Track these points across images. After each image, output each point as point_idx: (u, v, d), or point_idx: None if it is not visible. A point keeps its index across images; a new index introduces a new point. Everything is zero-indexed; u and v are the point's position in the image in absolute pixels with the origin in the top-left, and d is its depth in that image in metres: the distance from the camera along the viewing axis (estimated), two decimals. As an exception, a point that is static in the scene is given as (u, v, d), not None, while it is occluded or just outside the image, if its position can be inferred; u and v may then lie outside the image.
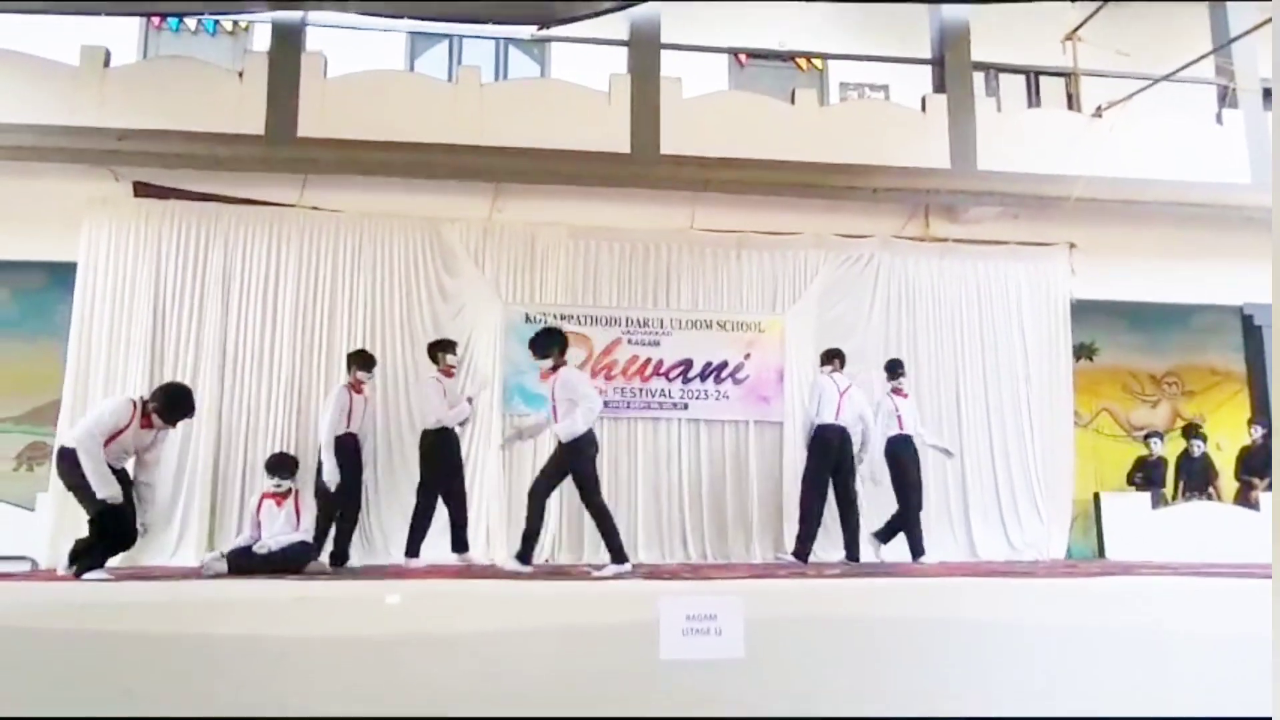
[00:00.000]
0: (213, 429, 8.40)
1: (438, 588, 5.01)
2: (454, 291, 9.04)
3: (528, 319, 8.99)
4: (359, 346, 8.56)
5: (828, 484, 8.00)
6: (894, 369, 8.53)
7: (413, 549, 7.47)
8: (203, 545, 8.09)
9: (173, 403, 6.08)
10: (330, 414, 7.30)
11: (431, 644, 4.17)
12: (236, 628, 4.20)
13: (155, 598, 4.49)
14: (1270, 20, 7.47)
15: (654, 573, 6.14)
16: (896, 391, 8.41)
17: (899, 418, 8.31)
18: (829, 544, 8.83)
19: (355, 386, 7.54)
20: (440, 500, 7.59)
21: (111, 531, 5.76)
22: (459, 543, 7.61)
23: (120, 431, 5.84)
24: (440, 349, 7.91)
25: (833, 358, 8.24)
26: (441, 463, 7.59)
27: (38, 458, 9.11)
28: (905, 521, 8.14)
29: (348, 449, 7.36)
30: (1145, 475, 9.97)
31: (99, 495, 5.63)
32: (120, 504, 5.74)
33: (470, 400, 8.02)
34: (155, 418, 6.00)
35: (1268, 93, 9.98)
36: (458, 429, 7.83)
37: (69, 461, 5.78)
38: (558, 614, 4.37)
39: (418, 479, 7.73)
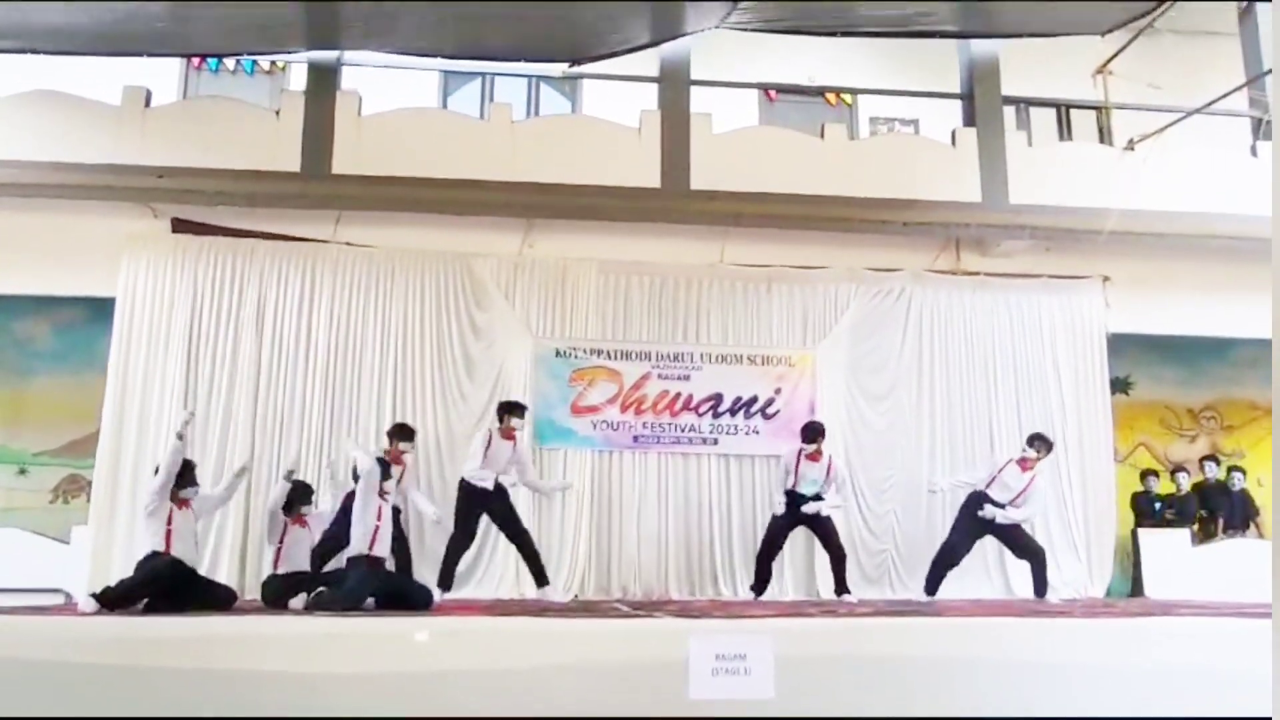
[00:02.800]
0: (244, 460, 8.43)
1: (467, 625, 4.99)
2: (485, 326, 9.08)
3: (558, 353, 9.03)
4: (390, 378, 8.64)
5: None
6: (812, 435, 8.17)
7: (443, 581, 7.45)
8: (235, 577, 8.13)
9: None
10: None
11: (461, 681, 4.15)
12: (266, 664, 4.21)
13: (185, 633, 4.50)
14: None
15: (684, 610, 6.10)
16: (811, 457, 8.05)
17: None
18: (863, 582, 8.79)
19: (395, 457, 7.49)
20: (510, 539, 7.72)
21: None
22: (539, 579, 7.58)
23: None
24: (506, 410, 7.74)
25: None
26: (468, 517, 7.55)
27: (74, 491, 9.25)
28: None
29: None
30: (1177, 510, 9.81)
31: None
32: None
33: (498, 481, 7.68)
34: None
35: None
36: (509, 485, 7.71)
37: None
38: (587, 651, 4.34)
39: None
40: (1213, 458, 10.22)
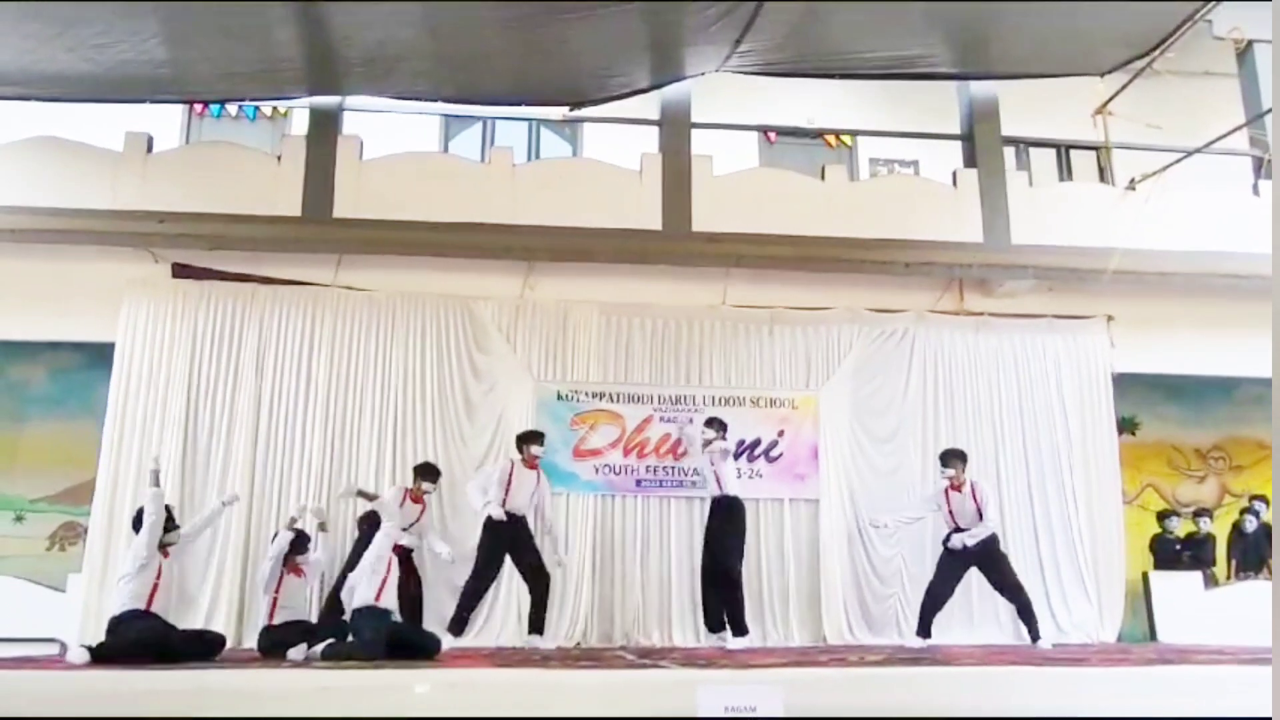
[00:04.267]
0: (244, 507, 8.35)
1: (468, 676, 4.88)
2: (486, 369, 9.02)
3: (559, 396, 8.96)
4: (391, 422, 8.59)
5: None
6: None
7: (454, 626, 7.39)
8: (233, 624, 8.01)
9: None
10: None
11: (461, 736, 4.04)
12: (262, 716, 4.10)
13: (179, 685, 4.40)
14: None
15: (690, 658, 5.97)
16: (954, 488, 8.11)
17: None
18: (870, 627, 8.68)
19: (416, 497, 7.53)
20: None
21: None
22: (536, 625, 7.59)
23: None
24: (526, 440, 7.92)
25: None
26: (491, 556, 7.58)
27: (70, 538, 9.14)
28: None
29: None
30: (1194, 554, 9.68)
31: None
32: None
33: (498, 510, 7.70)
34: None
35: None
36: (530, 516, 7.79)
37: None
38: (592, 704, 4.22)
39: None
40: (1256, 505, 10.01)
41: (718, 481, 7.92)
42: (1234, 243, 9.34)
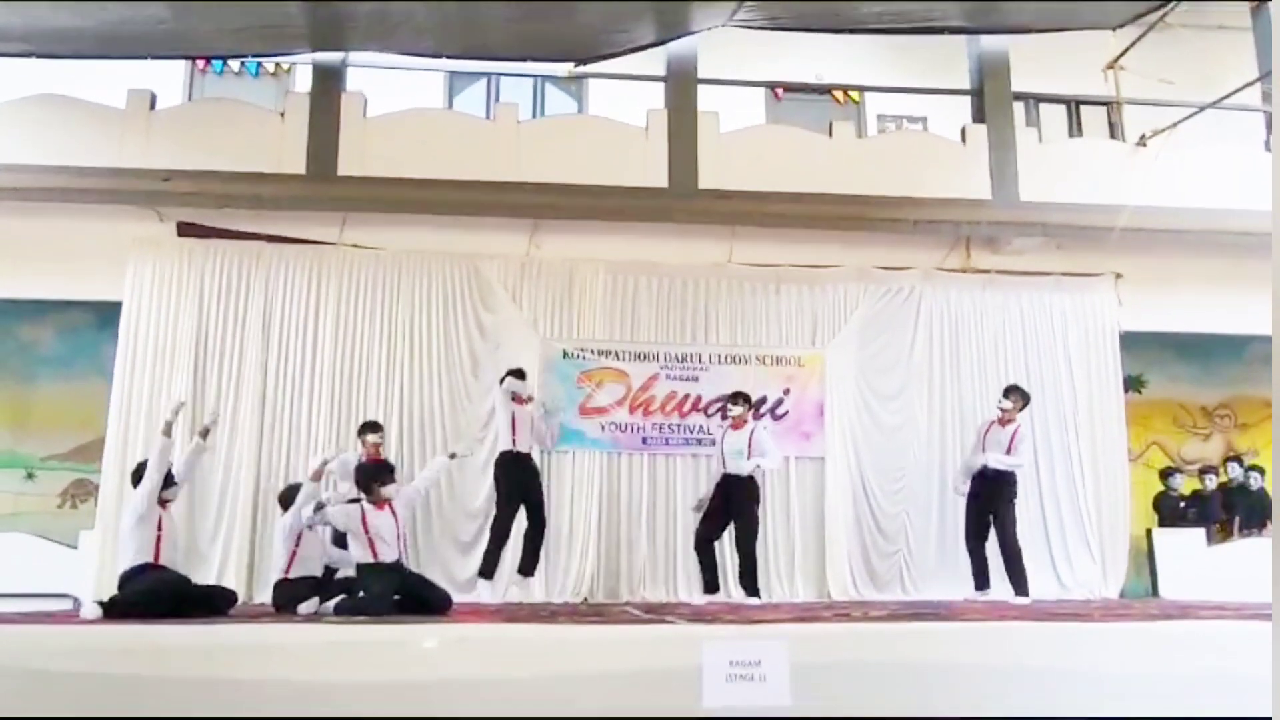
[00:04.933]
0: (253, 464, 8.43)
1: (475, 631, 4.92)
2: (492, 328, 9.03)
3: (566, 355, 8.98)
4: (397, 380, 8.62)
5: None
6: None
7: (486, 569, 7.50)
8: (243, 582, 8.10)
9: None
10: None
11: (469, 689, 4.08)
12: (272, 671, 4.15)
13: (191, 641, 4.44)
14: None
15: (696, 614, 6.02)
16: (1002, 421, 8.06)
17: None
18: (874, 584, 8.75)
19: (372, 455, 7.50)
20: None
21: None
22: (526, 566, 7.65)
23: None
24: (513, 376, 7.87)
25: None
26: (509, 485, 7.64)
27: (81, 495, 9.23)
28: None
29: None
30: (1197, 511, 9.71)
31: None
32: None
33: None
34: None
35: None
36: (535, 452, 7.87)
37: None
38: (598, 658, 4.26)
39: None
40: (1237, 458, 10.11)
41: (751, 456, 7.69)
42: (1244, 199, 9.24)
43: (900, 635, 4.66)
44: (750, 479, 7.67)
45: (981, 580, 7.94)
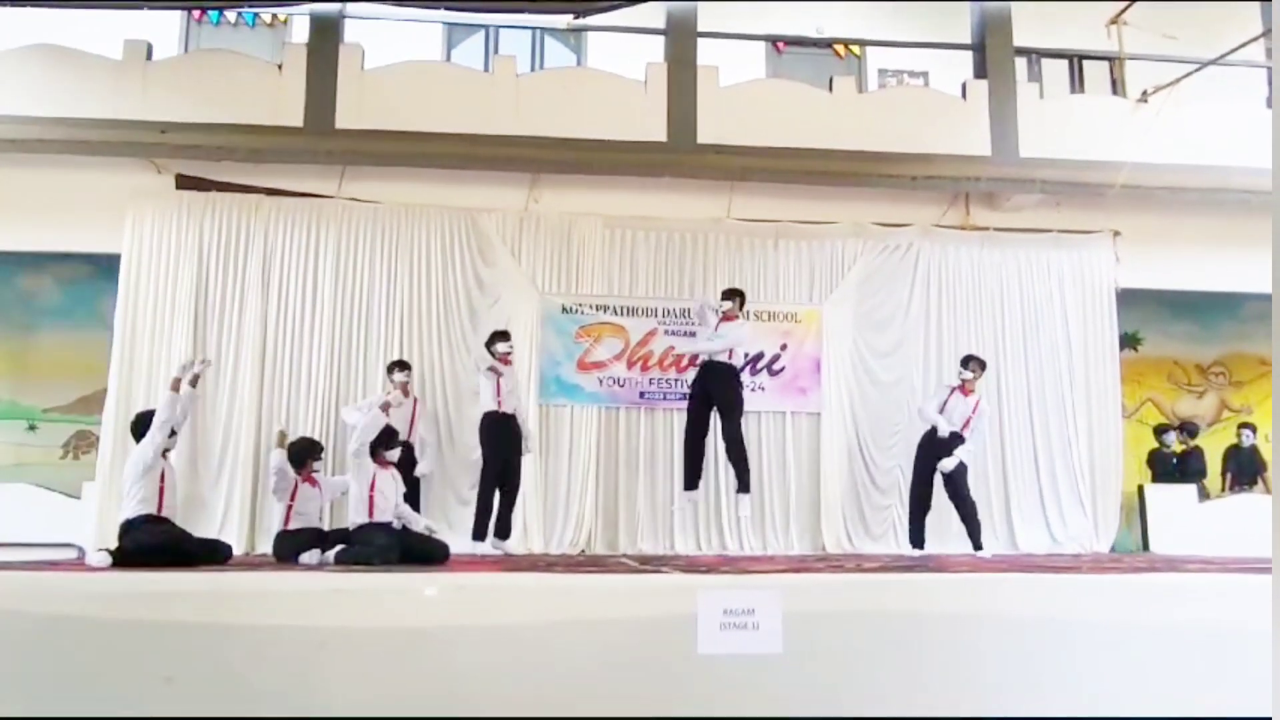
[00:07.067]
0: (253, 418, 8.48)
1: (475, 580, 5.00)
2: (490, 282, 9.04)
3: (564, 309, 9.01)
4: (396, 334, 8.70)
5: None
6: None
7: (477, 533, 7.56)
8: (244, 534, 8.20)
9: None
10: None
11: (468, 636, 4.17)
12: (275, 618, 4.22)
13: (196, 588, 4.52)
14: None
15: (692, 565, 6.12)
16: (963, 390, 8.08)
17: None
18: (869, 537, 8.86)
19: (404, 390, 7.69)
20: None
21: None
22: (500, 529, 7.66)
23: None
24: (498, 338, 7.92)
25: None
26: (494, 446, 7.66)
27: (84, 446, 9.30)
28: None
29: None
30: (1187, 467, 9.81)
31: None
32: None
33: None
34: None
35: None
36: (518, 414, 7.87)
37: None
38: (595, 606, 4.34)
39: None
40: (1250, 425, 10.10)
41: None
42: (1245, 157, 9.22)
43: (891, 585, 4.75)
44: (729, 365, 7.63)
45: (917, 539, 7.96)
